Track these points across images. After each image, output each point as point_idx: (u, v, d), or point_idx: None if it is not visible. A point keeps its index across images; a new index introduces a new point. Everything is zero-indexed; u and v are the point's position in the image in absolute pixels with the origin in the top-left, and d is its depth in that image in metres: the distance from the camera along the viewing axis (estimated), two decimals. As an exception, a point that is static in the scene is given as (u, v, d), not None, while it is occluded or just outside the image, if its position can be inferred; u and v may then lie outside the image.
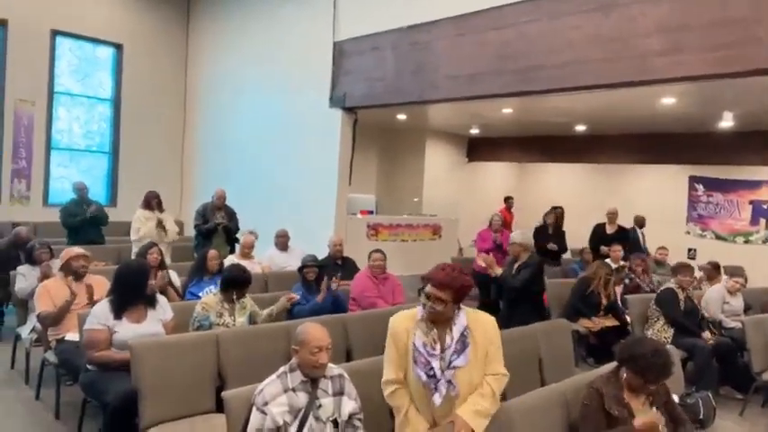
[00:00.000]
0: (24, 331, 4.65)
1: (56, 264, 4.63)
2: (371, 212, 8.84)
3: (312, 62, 7.70)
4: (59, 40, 9.26)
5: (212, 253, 5.04)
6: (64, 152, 9.55)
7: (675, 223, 10.64)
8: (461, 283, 2.45)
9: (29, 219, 8.04)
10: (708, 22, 4.29)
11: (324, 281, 4.78)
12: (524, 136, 11.54)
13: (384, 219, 8.68)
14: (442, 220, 9.54)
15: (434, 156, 11.87)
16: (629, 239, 7.90)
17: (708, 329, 5.29)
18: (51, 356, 4.07)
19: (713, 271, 6.66)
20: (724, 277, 6.21)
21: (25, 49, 8.81)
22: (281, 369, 2.49)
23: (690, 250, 10.34)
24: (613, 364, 2.88)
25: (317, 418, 2.42)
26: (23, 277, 4.96)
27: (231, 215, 6.86)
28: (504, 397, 3.50)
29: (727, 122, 7.99)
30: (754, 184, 10.01)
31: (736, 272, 6.22)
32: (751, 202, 10.10)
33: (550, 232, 7.85)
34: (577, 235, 8.34)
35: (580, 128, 9.91)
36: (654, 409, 2.73)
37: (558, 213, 8.38)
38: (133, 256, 5.64)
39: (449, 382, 2.42)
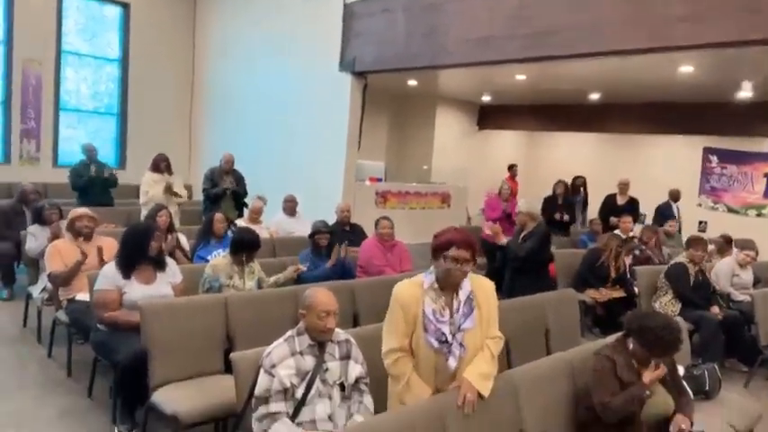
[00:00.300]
0: (36, 290, 4.71)
1: (65, 224, 4.65)
2: (380, 180, 8.80)
3: (322, 24, 7.55)
4: (66, -2, 9.13)
5: (218, 216, 5.05)
6: (72, 113, 9.52)
7: (687, 195, 10.47)
8: (475, 242, 2.52)
9: (39, 179, 8.07)
10: (732, -14, 4.14)
11: (335, 248, 4.78)
12: (536, 104, 11.35)
13: (393, 186, 8.65)
14: (451, 188, 9.48)
15: (445, 123, 11.73)
16: (639, 210, 7.85)
17: (716, 303, 5.27)
18: (62, 316, 4.13)
19: (725, 244, 6.60)
20: (734, 250, 6.16)
21: (32, 8, 8.70)
22: (289, 333, 2.50)
23: (701, 223, 10.26)
24: (619, 334, 2.88)
25: (324, 382, 2.44)
26: (33, 237, 5.00)
27: (239, 179, 6.84)
28: (509, 365, 3.54)
29: (745, 92, 7.80)
30: (770, 157, 9.85)
31: (746, 245, 6.18)
32: (765, 175, 9.95)
33: (560, 202, 7.78)
34: (589, 206, 8.27)
35: (594, 96, 9.72)
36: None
37: (579, 183, 8.33)
38: (142, 219, 5.66)
39: (460, 344, 2.44)
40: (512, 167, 10.87)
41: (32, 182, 7.17)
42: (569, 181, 8.52)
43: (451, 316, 2.45)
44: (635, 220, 7.37)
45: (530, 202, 5.21)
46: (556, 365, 2.94)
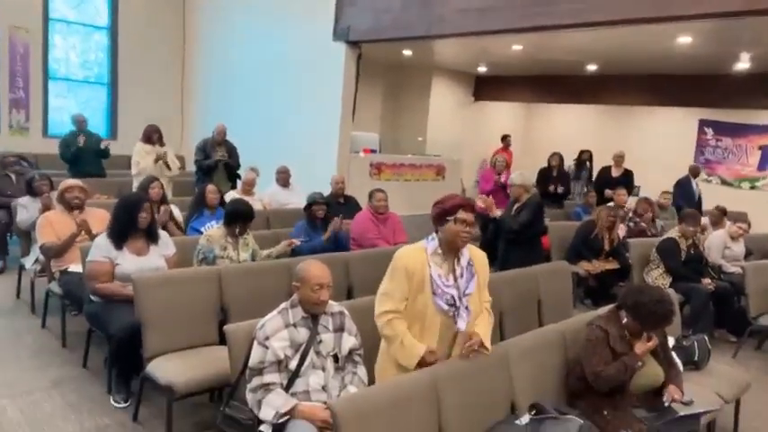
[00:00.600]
0: (28, 262, 4.69)
1: (56, 196, 4.61)
2: (374, 151, 8.72)
3: (315, -9, 7.39)
4: (52, -37, 8.89)
5: (210, 187, 5.02)
6: (61, 82, 9.35)
7: (681, 167, 10.50)
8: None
9: (29, 150, 7.96)
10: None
11: (333, 221, 4.77)
12: (533, 75, 11.23)
13: (387, 158, 8.58)
14: (446, 160, 9.43)
15: (440, 94, 11.61)
16: (633, 183, 7.85)
17: (708, 275, 5.32)
18: (55, 287, 4.12)
19: (720, 216, 6.61)
20: (727, 223, 6.19)
21: (17, -27, 8.46)
22: (282, 305, 2.51)
23: (694, 195, 10.27)
24: (611, 306, 2.91)
25: (318, 353, 2.45)
26: (25, 209, 4.95)
27: (231, 151, 6.76)
28: (502, 336, 3.57)
29: (743, 64, 7.74)
30: (766, 129, 9.81)
31: (739, 217, 6.19)
32: (761, 148, 9.94)
33: (554, 174, 7.78)
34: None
35: (591, 67, 9.62)
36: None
37: (585, 158, 8.28)
38: (134, 190, 5.61)
39: (466, 308, 2.50)
40: (505, 138, 10.81)
41: (23, 152, 7.11)
42: (575, 155, 8.49)
43: (455, 281, 2.50)
44: (629, 193, 7.38)
45: (524, 173, 5.18)
46: (548, 337, 2.97)
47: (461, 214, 2.48)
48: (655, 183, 8.57)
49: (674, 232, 5.34)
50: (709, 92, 9.32)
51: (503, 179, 7.06)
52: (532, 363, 2.75)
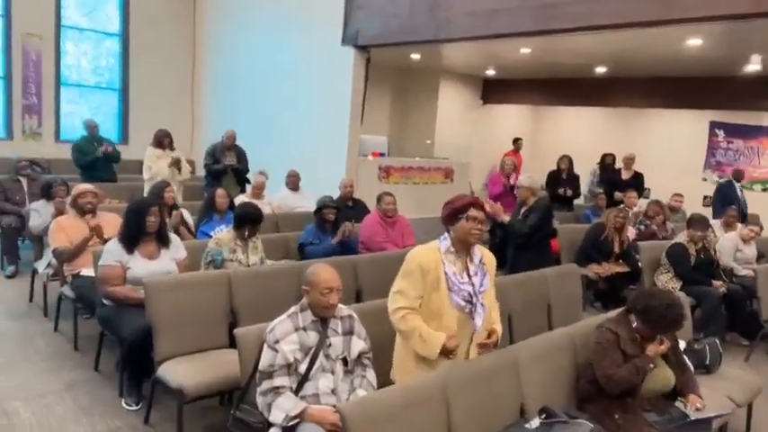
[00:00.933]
0: (41, 266, 4.74)
1: (69, 200, 4.66)
2: (383, 154, 8.74)
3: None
4: (64, -30, 9.00)
5: (220, 191, 5.05)
6: (73, 88, 9.46)
7: (692, 169, 10.45)
8: None
9: (41, 155, 8.06)
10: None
11: (343, 225, 4.78)
12: (542, 78, 11.21)
13: (395, 161, 8.60)
14: (454, 163, 9.43)
15: (448, 97, 11.61)
16: (643, 185, 7.80)
17: (719, 277, 5.27)
18: (68, 291, 4.16)
19: (734, 219, 6.51)
20: (739, 225, 6.14)
21: (30, -19, 8.58)
22: (292, 309, 2.52)
23: (705, 197, 10.19)
24: (621, 309, 2.89)
25: (327, 357, 2.46)
26: (37, 213, 5.02)
27: (241, 155, 6.81)
28: (511, 340, 3.56)
29: (754, 66, 7.68)
30: (777, 131, 9.75)
31: (751, 220, 6.13)
32: (772, 150, 9.87)
33: (564, 177, 7.74)
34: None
35: (600, 70, 9.59)
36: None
37: (609, 161, 8.11)
38: (145, 195, 5.66)
39: (481, 304, 2.55)
40: (516, 141, 10.78)
41: (35, 157, 7.20)
42: (585, 158, 8.35)
43: (470, 278, 2.55)
44: (640, 195, 7.33)
45: (532, 176, 5.17)
46: (557, 340, 2.96)
47: (472, 212, 2.54)
48: (665, 185, 8.51)
49: (682, 237, 5.29)
50: (719, 94, 9.26)
51: (511, 182, 7.05)
52: (542, 366, 2.74)
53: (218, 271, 3.72)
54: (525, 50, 8.19)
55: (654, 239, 6.10)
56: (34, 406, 3.38)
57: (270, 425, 2.35)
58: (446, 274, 2.51)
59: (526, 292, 3.93)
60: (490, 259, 2.72)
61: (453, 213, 2.57)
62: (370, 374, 2.57)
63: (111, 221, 4.32)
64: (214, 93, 9.88)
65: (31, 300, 5.11)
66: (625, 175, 7.71)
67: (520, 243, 4.92)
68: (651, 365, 2.66)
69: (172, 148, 6.46)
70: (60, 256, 4.20)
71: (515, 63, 9.56)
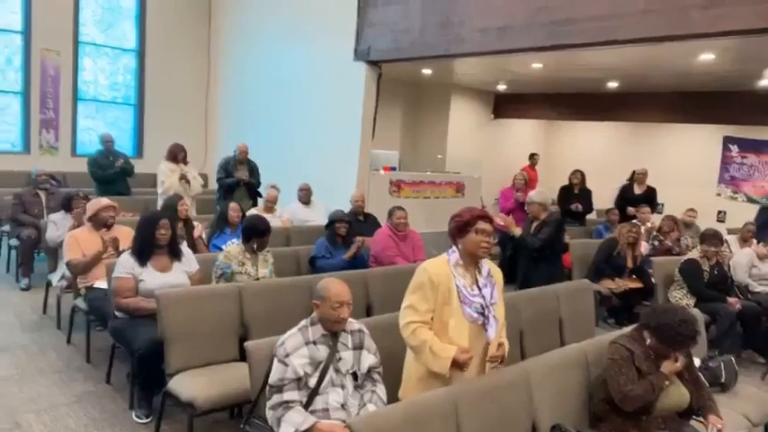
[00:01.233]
0: (55, 278, 4.79)
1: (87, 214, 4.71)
2: (394, 169, 8.76)
3: (337, 13, 7.51)
4: (83, -12, 9.20)
5: (233, 205, 5.11)
6: (90, 103, 9.62)
7: (706, 185, 10.36)
8: None
9: (57, 169, 8.17)
10: (755, -29, 4.04)
11: (356, 240, 4.79)
12: (553, 93, 11.21)
13: (407, 175, 8.61)
14: (466, 177, 9.42)
15: (459, 112, 11.64)
16: (656, 200, 7.73)
17: (734, 294, 5.20)
18: (81, 303, 4.20)
19: (749, 233, 6.42)
20: (754, 241, 6.06)
21: (50, -2, 8.78)
22: (302, 322, 2.52)
23: (719, 212, 10.11)
24: (635, 326, 2.86)
25: (337, 371, 2.46)
26: (55, 225, 5.08)
27: (253, 170, 6.86)
28: (522, 356, 3.53)
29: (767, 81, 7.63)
30: (792, 146, 9.65)
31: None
32: (787, 165, 9.75)
33: (576, 192, 7.71)
34: (606, 196, 8.17)
35: (612, 84, 9.57)
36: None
37: (639, 177, 7.95)
38: (159, 208, 5.71)
39: (494, 317, 2.55)
40: (532, 156, 10.75)
41: (52, 171, 7.30)
42: (597, 172, 8.14)
43: (479, 290, 2.54)
44: (653, 210, 7.27)
45: (543, 191, 5.16)
46: (570, 356, 2.92)
47: (481, 224, 2.54)
48: (679, 200, 8.44)
49: (695, 253, 5.22)
50: (732, 109, 9.19)
51: (522, 197, 7.03)
52: (554, 383, 2.71)
53: (228, 284, 3.73)
54: (537, 65, 8.21)
55: (667, 255, 6.04)
56: (46, 418, 3.40)
57: (279, 439, 2.34)
58: (457, 286, 2.50)
59: (538, 307, 3.90)
60: (497, 273, 2.71)
61: (462, 226, 2.57)
62: (380, 389, 2.56)
63: (126, 234, 4.36)
64: (228, 107, 9.99)
65: (44, 312, 5.15)
66: (638, 190, 7.66)
67: (531, 257, 4.90)
68: (666, 383, 2.63)
69: (185, 163, 6.52)
70: (74, 268, 4.24)
71: (527, 78, 9.58)
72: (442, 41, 6.27)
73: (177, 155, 6.49)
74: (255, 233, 3.98)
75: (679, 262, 5.30)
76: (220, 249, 4.62)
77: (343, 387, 2.46)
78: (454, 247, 2.61)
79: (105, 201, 4.52)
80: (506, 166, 11.16)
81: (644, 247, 6.06)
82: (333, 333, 2.49)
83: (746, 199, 10.17)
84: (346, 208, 5.96)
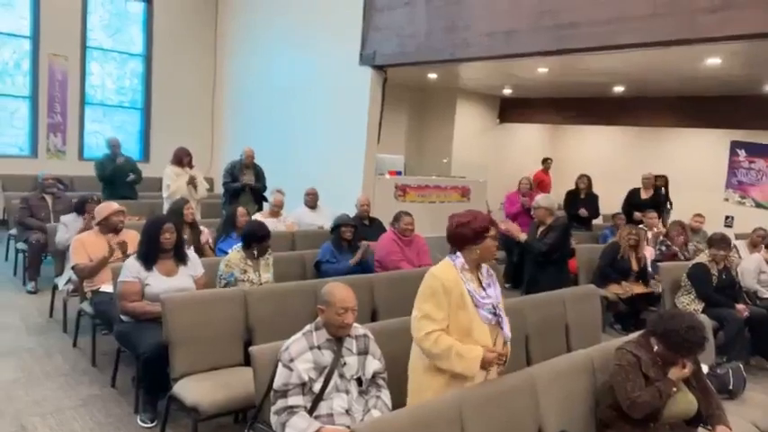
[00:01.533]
0: (61, 282, 4.80)
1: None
2: (399, 173, 8.76)
3: (342, 18, 7.54)
4: (91, -6, 9.27)
5: (241, 209, 5.10)
6: (97, 107, 9.68)
7: (713, 189, 10.31)
8: None
9: (65, 172, 8.22)
10: (762, -25, 4.02)
11: (362, 245, 4.79)
12: (559, 97, 11.20)
13: (412, 180, 8.61)
14: (471, 182, 9.41)
15: (465, 116, 11.64)
16: (663, 205, 7.69)
17: (742, 300, 5.15)
18: (87, 307, 4.21)
19: (758, 238, 6.37)
20: (762, 247, 6.01)
21: (58, 4, 8.84)
22: (307, 327, 2.51)
23: (727, 218, 10.04)
24: (641, 332, 2.84)
25: (342, 376, 2.45)
26: (65, 228, 5.09)
27: (259, 174, 6.87)
28: (528, 361, 3.51)
29: (775, 85, 7.59)
30: (800, 151, 9.59)
31: (775, 242, 6.00)
32: (795, 170, 9.69)
33: (582, 197, 7.68)
34: (612, 201, 8.14)
35: (618, 89, 9.55)
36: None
37: (660, 183, 7.85)
38: (165, 212, 5.73)
39: (504, 315, 2.59)
40: (545, 161, 10.72)
41: (59, 174, 7.34)
42: (602, 176, 8.05)
43: (485, 291, 2.57)
44: (659, 215, 7.24)
45: (549, 196, 5.15)
46: (576, 362, 2.90)
47: (492, 230, 2.59)
48: (685, 205, 8.39)
49: (703, 257, 5.19)
50: (740, 113, 9.15)
51: (527, 202, 7.01)
52: (560, 389, 2.69)
53: (233, 288, 3.73)
54: (542, 70, 8.20)
55: (674, 260, 6.01)
56: (52, 421, 3.40)
57: (284, 444, 2.34)
58: (468, 291, 2.51)
59: (544, 312, 3.88)
60: (493, 267, 2.78)
61: (479, 233, 2.55)
62: (385, 395, 2.55)
63: (133, 238, 4.37)
64: (234, 111, 10.03)
65: (50, 315, 5.17)
66: (644, 195, 7.62)
67: (537, 262, 4.88)
68: (674, 389, 2.60)
69: (191, 167, 6.54)
70: (81, 272, 4.25)
71: (532, 83, 9.58)
72: (448, 46, 6.27)
73: (183, 159, 6.51)
74: (255, 239, 3.98)
75: (686, 267, 5.27)
76: (226, 253, 4.62)
77: (347, 392, 2.45)
78: (458, 253, 2.60)
79: (115, 205, 4.53)
80: (512, 170, 11.12)
81: (649, 252, 6.02)
82: (337, 338, 2.48)
83: (754, 204, 10.11)
84: (351, 212, 5.96)
